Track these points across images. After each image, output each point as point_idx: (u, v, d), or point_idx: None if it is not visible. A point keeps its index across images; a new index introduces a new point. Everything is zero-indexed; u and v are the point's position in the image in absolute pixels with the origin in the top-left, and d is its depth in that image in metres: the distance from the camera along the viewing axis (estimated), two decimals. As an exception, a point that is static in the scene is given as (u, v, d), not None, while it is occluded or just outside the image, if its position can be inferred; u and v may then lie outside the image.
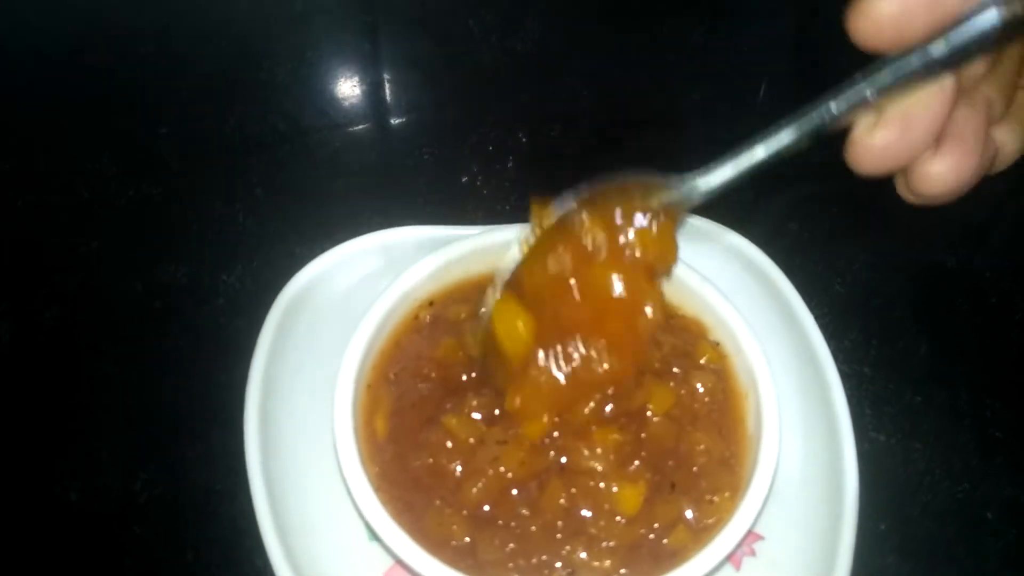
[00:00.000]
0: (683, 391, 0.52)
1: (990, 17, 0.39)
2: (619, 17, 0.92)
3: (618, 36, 0.90)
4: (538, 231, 0.50)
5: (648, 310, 0.49)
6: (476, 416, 0.50)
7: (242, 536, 0.54)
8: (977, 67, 0.43)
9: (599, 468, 0.48)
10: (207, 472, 0.58)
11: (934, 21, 0.40)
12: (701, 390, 0.52)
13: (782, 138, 0.44)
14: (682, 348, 0.54)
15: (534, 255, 0.50)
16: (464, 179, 0.76)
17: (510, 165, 0.77)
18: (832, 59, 0.85)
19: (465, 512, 0.48)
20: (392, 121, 0.85)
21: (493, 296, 0.52)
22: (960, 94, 0.43)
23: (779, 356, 0.57)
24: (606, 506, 0.48)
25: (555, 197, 0.51)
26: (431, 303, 0.56)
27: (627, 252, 0.48)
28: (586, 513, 0.48)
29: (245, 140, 0.80)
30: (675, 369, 0.53)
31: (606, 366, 0.49)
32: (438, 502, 0.48)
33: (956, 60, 0.41)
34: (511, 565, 0.47)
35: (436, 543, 0.47)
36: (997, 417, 0.63)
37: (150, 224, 0.73)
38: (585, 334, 0.49)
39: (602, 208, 0.48)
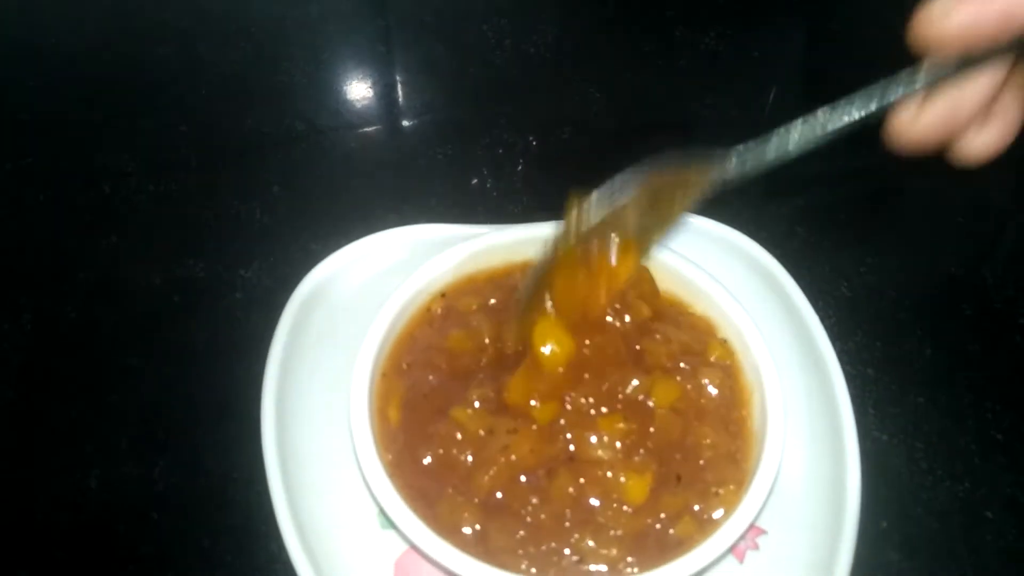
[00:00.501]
0: (690, 386, 0.53)
1: None
2: (631, 22, 0.93)
3: (630, 41, 0.92)
4: (575, 226, 0.52)
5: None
6: (485, 407, 0.51)
7: (257, 523, 0.55)
8: None
9: (606, 457, 0.50)
10: (224, 461, 0.59)
11: (1003, 32, 0.42)
12: (709, 386, 0.53)
13: (848, 112, 0.46)
14: (692, 345, 0.55)
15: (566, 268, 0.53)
16: (475, 181, 0.78)
17: (520, 168, 0.79)
18: (841, 66, 0.87)
19: (476, 500, 0.49)
20: (404, 123, 0.87)
21: (525, 290, 0.54)
22: (1008, 76, 0.45)
23: (785, 356, 0.58)
24: (614, 496, 0.49)
25: (589, 192, 0.52)
26: (443, 295, 0.57)
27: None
28: (594, 502, 0.49)
29: (262, 139, 0.81)
30: (683, 365, 0.54)
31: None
32: (450, 490, 0.49)
33: (1014, 53, 0.43)
34: (521, 552, 0.48)
35: (448, 530, 0.48)
36: (998, 419, 0.64)
37: (169, 220, 0.75)
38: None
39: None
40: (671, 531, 0.49)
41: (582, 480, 0.49)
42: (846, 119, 0.46)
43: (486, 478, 0.49)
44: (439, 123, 0.85)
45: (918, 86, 0.45)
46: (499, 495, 0.49)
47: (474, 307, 0.56)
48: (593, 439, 0.50)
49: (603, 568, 0.48)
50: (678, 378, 0.53)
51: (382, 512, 0.50)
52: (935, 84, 0.44)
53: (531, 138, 0.81)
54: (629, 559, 0.48)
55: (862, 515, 0.54)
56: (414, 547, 0.48)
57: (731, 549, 0.50)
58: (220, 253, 0.72)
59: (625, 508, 0.49)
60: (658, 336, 0.55)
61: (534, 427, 0.50)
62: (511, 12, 0.93)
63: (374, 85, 0.88)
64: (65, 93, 0.85)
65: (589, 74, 0.88)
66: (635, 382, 0.52)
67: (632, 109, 0.86)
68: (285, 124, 0.82)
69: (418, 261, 0.57)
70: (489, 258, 0.58)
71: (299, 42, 0.91)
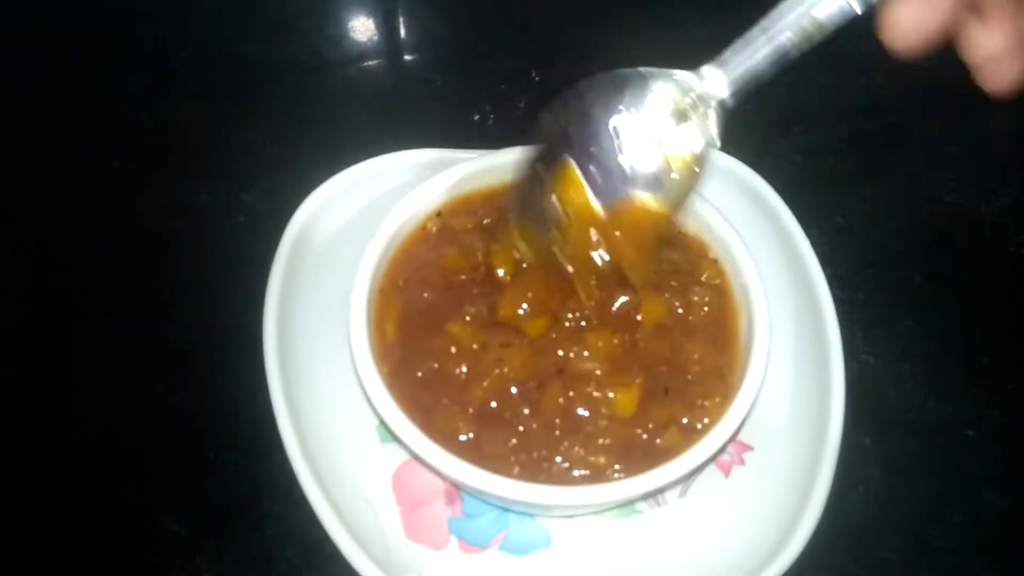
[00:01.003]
0: (679, 303, 0.54)
1: None
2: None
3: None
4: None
5: None
6: (478, 322, 0.53)
7: (261, 435, 0.57)
8: None
9: (596, 371, 0.51)
10: (228, 378, 0.61)
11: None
12: (698, 303, 0.55)
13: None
14: (683, 265, 0.56)
15: None
16: (476, 117, 0.78)
17: (522, 104, 0.79)
18: None
19: (470, 410, 0.51)
20: (407, 56, 0.87)
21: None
22: None
23: (775, 277, 0.59)
24: (603, 408, 0.50)
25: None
26: (439, 214, 0.58)
27: None
28: (583, 413, 0.51)
29: (265, 68, 0.81)
30: (673, 283, 0.55)
31: None
32: (445, 401, 0.51)
33: None
34: (513, 459, 0.49)
35: (444, 438, 0.49)
36: (986, 344, 0.65)
37: (172, 145, 0.76)
38: None
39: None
40: (658, 440, 0.50)
41: (571, 393, 0.51)
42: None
43: (480, 389, 0.51)
44: (441, 56, 0.85)
45: None
46: (492, 405, 0.51)
47: (469, 226, 0.57)
48: (585, 353, 0.51)
49: (589, 474, 0.49)
50: (667, 295, 0.54)
51: (381, 423, 0.52)
52: None
53: (533, 74, 0.81)
54: (616, 466, 0.49)
55: (846, 433, 0.56)
56: (412, 454, 0.50)
57: (715, 458, 0.52)
58: (223, 178, 0.73)
59: (613, 419, 0.50)
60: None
61: (526, 341, 0.52)
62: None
63: (377, 15, 0.87)
64: (66, 16, 0.85)
65: (593, 7, 0.87)
66: (623, 298, 0.53)
67: (636, 42, 0.84)
68: (288, 53, 0.83)
69: (416, 184, 0.58)
70: (485, 178, 0.59)
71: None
